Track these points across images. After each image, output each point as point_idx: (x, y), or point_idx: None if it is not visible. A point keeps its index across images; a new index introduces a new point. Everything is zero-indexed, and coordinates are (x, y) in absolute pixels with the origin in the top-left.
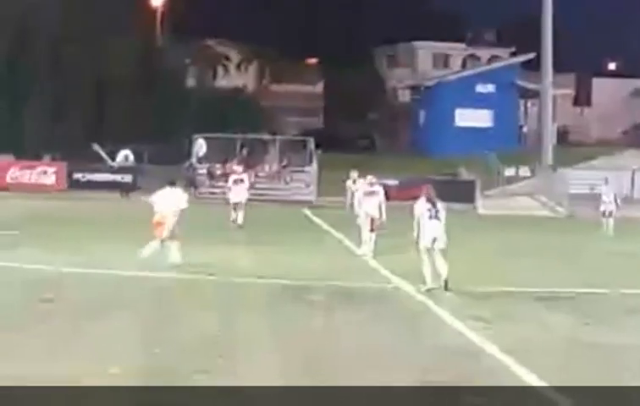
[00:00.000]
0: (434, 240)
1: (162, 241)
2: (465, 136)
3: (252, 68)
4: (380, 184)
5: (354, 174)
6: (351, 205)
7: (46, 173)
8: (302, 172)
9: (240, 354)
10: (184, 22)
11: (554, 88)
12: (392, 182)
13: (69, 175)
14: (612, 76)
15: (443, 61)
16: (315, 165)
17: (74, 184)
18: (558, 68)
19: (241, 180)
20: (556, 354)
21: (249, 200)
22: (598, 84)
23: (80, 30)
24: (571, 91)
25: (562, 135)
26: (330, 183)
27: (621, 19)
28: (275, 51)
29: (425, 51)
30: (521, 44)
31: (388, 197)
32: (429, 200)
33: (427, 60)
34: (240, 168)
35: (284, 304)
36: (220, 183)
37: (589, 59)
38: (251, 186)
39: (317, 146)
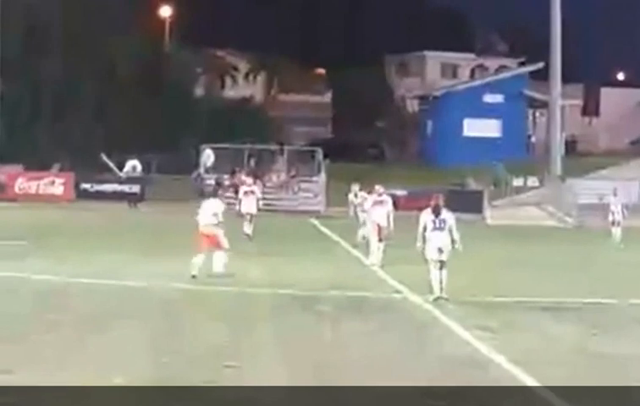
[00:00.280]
0: (440, 251)
1: (226, 250)
2: (473, 146)
3: (260, 78)
4: (388, 194)
5: (355, 188)
6: (355, 216)
7: (54, 184)
8: (310, 182)
9: (248, 364)
10: (193, 32)
11: (562, 98)
12: (400, 192)
13: (77, 185)
14: (620, 86)
15: (451, 71)
16: (323, 175)
17: (82, 195)
18: (566, 78)
19: (252, 192)
20: (563, 364)
21: (257, 210)
22: (606, 94)
23: (88, 40)
24: (579, 101)
25: (570, 145)
26: (339, 193)
27: (630, 29)
28: (283, 61)
29: (434, 60)
30: (529, 54)
31: (396, 207)
32: (434, 210)
33: (436, 70)
34: (250, 180)
35: (292, 314)
36: (228, 194)
37: (598, 69)
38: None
39: (326, 156)
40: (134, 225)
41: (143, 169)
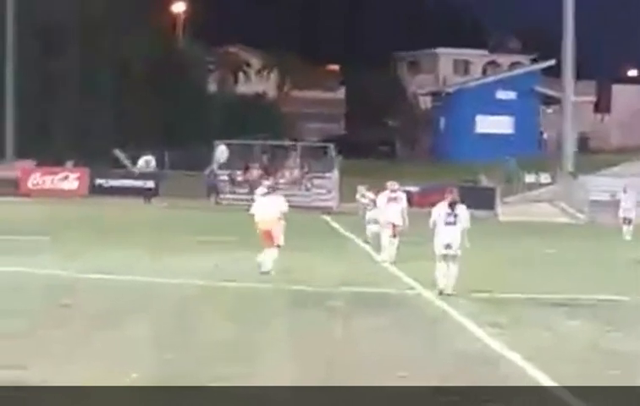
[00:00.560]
0: (448, 246)
1: (279, 246)
2: (485, 143)
3: (273, 75)
4: (402, 191)
5: (362, 189)
6: (363, 216)
7: (69, 179)
8: (323, 178)
9: (259, 360)
10: (205, 28)
11: (574, 95)
12: (413, 188)
13: (92, 181)
14: (632, 83)
15: (463, 67)
16: (336, 171)
17: (97, 190)
18: (578, 75)
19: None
20: (576, 361)
21: None
22: (618, 91)
23: (103, 37)
24: (591, 98)
25: (582, 142)
26: (351, 189)
27: None
28: (296, 57)
29: (446, 57)
30: (541, 51)
31: (410, 203)
32: (450, 205)
33: (448, 66)
34: (267, 183)
35: (304, 310)
36: (241, 190)
37: (610, 66)
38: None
39: (339, 153)
40: (148, 220)
41: (157, 165)
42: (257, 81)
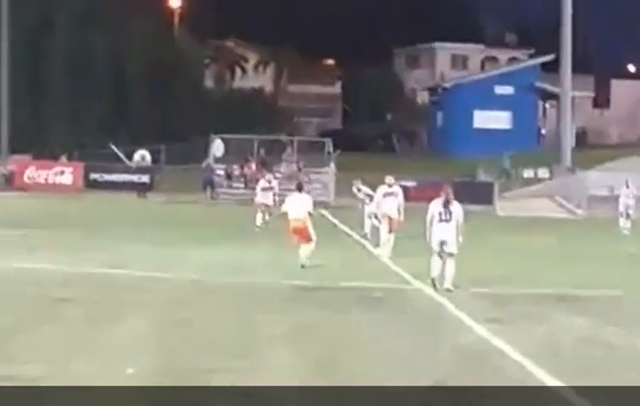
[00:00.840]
0: (442, 243)
1: (314, 242)
2: (483, 138)
3: (270, 69)
4: (399, 185)
5: (357, 183)
6: (362, 210)
7: (64, 173)
8: (320, 173)
9: (256, 355)
10: (203, 22)
11: (573, 90)
12: (410, 182)
13: (86, 175)
14: (631, 78)
15: (461, 62)
16: (333, 166)
17: (92, 184)
18: (577, 70)
19: (270, 188)
20: (575, 356)
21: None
22: (617, 86)
23: (98, 31)
24: (590, 93)
25: (581, 137)
26: (348, 184)
27: None
28: (293, 52)
29: (444, 52)
30: (540, 46)
31: (406, 198)
32: (445, 202)
33: (446, 61)
34: (270, 175)
35: (301, 305)
36: (237, 185)
37: (608, 61)
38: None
39: (336, 147)
40: (142, 215)
41: (153, 159)
42: (254, 76)
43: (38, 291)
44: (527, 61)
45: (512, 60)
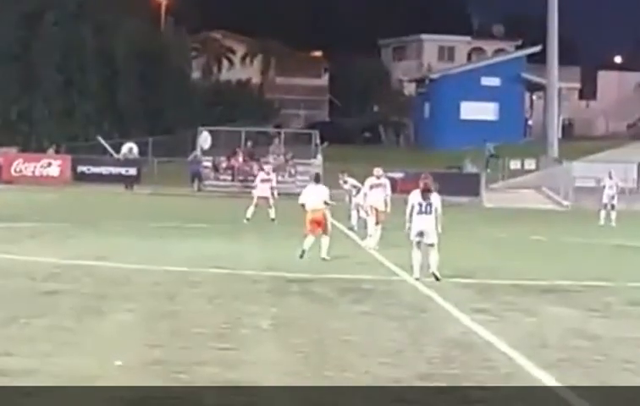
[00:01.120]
0: (421, 234)
1: (329, 235)
2: (470, 129)
3: (257, 61)
4: (387, 177)
5: (343, 176)
6: (349, 202)
7: (51, 166)
8: (307, 164)
9: (244, 347)
10: (189, 14)
11: (559, 81)
12: (397, 174)
13: (74, 168)
14: (618, 69)
15: (448, 54)
16: (320, 158)
17: (79, 177)
18: (564, 61)
19: (268, 180)
20: (561, 348)
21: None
22: (603, 77)
23: (85, 23)
24: (576, 85)
25: (567, 129)
26: (335, 175)
27: (627, 12)
28: (280, 44)
29: (431, 43)
30: (526, 37)
31: (393, 189)
32: (423, 192)
33: (433, 53)
34: (268, 167)
35: (289, 297)
36: (224, 177)
37: (595, 52)
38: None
39: (323, 139)
40: (130, 207)
41: (140, 152)
42: (241, 68)
43: (25, 283)
44: (514, 52)
45: (499, 51)
